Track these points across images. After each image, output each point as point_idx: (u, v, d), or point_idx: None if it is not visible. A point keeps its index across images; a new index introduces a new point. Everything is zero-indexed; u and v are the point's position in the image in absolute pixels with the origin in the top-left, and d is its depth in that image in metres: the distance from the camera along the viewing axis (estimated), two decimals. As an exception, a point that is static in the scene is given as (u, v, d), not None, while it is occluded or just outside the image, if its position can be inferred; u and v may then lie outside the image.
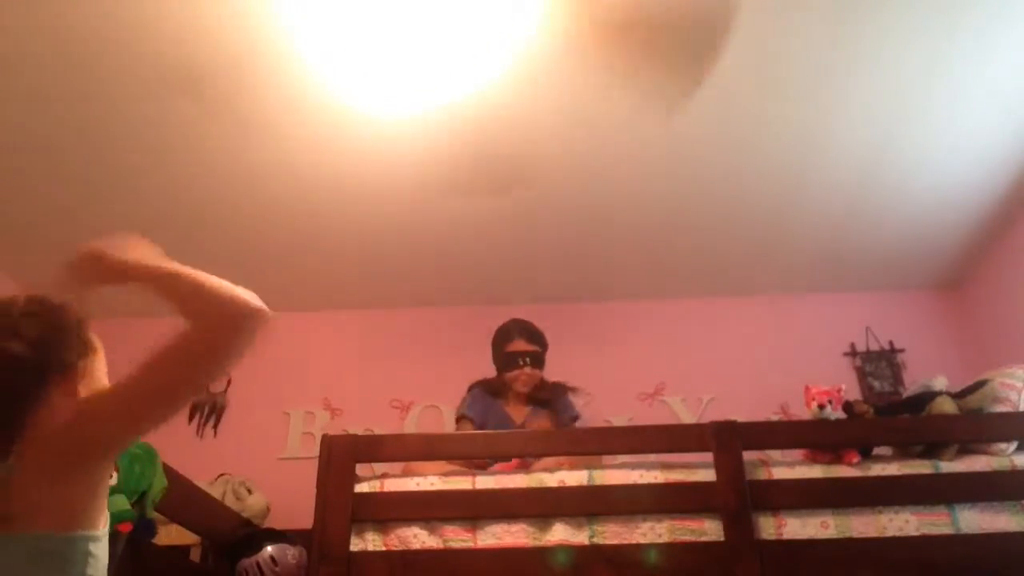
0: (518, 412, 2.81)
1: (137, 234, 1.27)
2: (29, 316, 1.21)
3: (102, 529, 1.17)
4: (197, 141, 2.96)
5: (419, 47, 2.47)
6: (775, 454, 2.59)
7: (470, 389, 2.90)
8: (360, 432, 2.80)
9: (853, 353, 3.87)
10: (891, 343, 3.86)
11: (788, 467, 2.20)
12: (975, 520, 2.04)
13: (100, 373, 1.28)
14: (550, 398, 2.87)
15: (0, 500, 1.08)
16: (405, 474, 2.30)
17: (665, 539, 2.06)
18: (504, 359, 2.87)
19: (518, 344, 2.86)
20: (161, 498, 2.51)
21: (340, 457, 2.19)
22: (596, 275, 3.86)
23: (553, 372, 3.04)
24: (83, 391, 1.22)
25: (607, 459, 2.44)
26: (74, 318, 1.25)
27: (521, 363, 2.80)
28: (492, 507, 2.13)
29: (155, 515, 2.54)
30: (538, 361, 2.86)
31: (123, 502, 2.39)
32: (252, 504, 3.21)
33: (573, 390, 2.94)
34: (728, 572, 1.99)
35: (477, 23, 2.42)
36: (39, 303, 1.24)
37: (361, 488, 2.17)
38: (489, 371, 3.02)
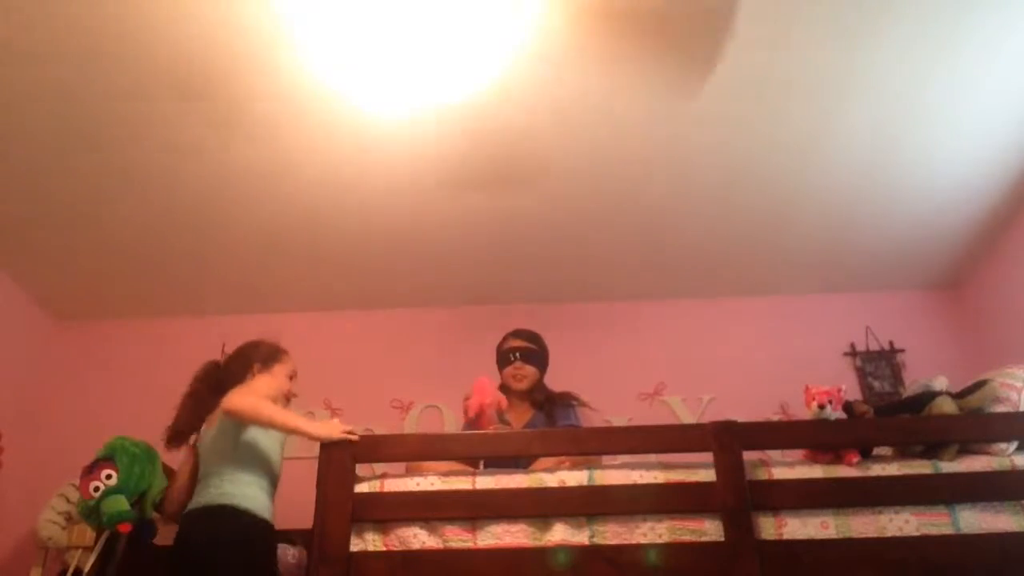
0: (518, 418, 2.81)
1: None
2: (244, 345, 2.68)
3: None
4: (198, 142, 2.96)
5: (420, 46, 2.47)
6: (775, 454, 2.59)
7: None
8: (360, 432, 2.79)
9: (853, 353, 3.87)
10: (891, 343, 3.86)
11: (788, 467, 2.20)
12: (975, 520, 2.05)
13: (280, 373, 2.60)
14: (545, 402, 2.88)
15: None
16: (410, 472, 2.31)
17: (665, 539, 2.06)
18: (500, 357, 2.98)
19: (511, 342, 2.97)
20: (161, 498, 2.52)
21: (340, 457, 2.20)
22: (596, 275, 3.85)
23: (553, 372, 3.04)
24: (272, 380, 2.54)
25: (607, 459, 2.44)
26: (262, 345, 2.65)
27: (512, 358, 2.90)
28: (492, 507, 2.13)
29: (155, 515, 2.54)
30: (530, 357, 2.92)
31: (123, 503, 2.39)
32: (252, 504, 3.19)
33: (581, 403, 2.94)
34: (728, 572, 1.99)
35: (475, 22, 2.42)
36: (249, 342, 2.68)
37: (361, 488, 2.18)
38: (489, 371, 3.03)
